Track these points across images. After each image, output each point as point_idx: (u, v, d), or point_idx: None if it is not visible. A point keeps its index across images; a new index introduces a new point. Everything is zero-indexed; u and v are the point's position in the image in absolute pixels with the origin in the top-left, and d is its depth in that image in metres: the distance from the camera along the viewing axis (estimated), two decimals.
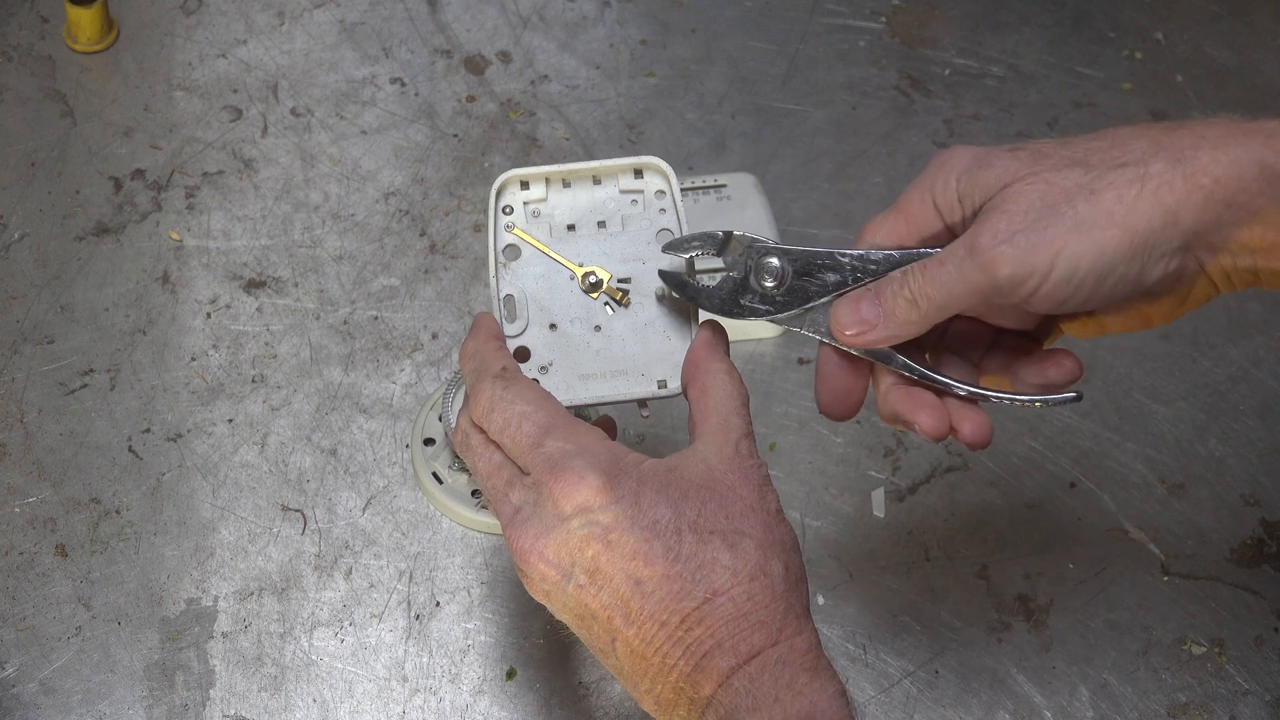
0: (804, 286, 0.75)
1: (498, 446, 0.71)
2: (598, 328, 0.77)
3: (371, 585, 0.94)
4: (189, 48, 1.17)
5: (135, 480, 0.97)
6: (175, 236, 1.07)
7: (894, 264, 0.74)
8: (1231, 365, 1.06)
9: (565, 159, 1.13)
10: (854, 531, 0.97)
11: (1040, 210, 0.69)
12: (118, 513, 0.95)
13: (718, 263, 0.76)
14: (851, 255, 0.74)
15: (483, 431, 0.72)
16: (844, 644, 0.93)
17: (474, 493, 0.96)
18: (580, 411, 0.83)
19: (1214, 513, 0.99)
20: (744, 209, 1.07)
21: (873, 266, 0.74)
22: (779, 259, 0.75)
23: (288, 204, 1.09)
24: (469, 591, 0.94)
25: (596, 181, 0.79)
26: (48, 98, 1.13)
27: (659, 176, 0.79)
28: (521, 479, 0.70)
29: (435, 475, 0.97)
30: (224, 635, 0.91)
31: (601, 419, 0.77)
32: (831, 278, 0.74)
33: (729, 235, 0.75)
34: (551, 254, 0.77)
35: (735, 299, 0.75)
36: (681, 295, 0.76)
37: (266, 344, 1.03)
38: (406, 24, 1.20)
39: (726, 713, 0.65)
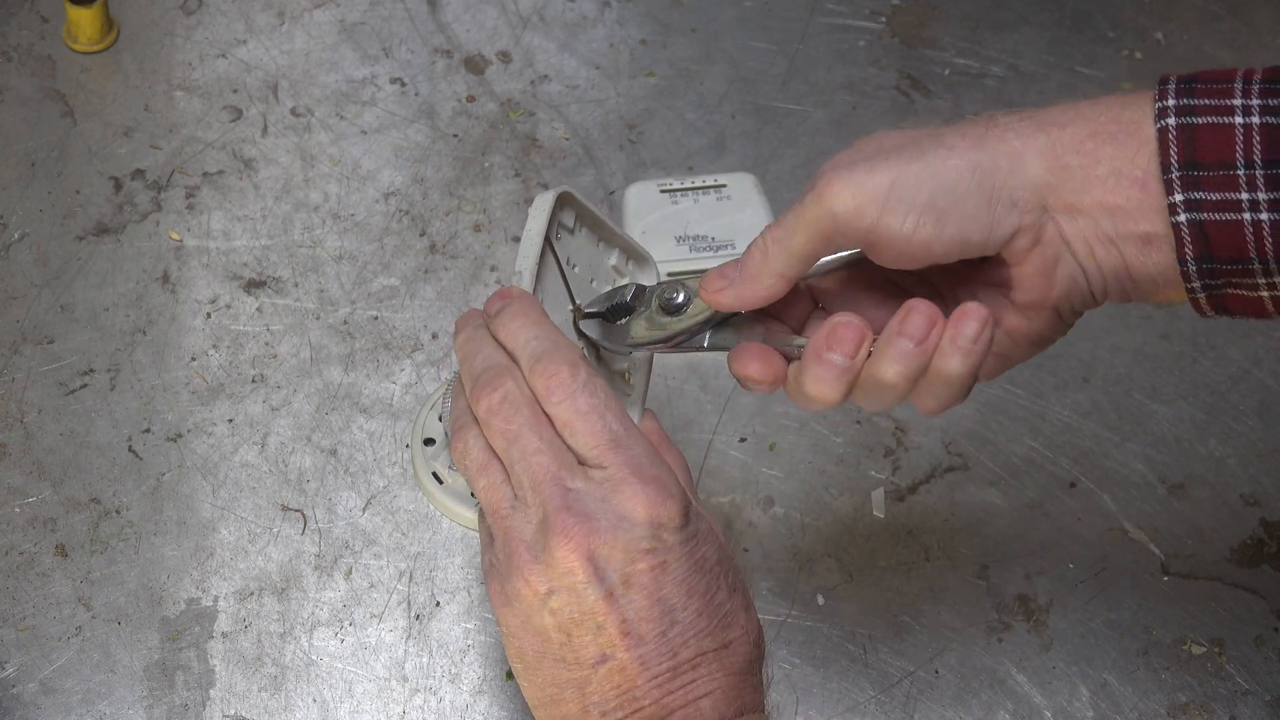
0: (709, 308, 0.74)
1: (550, 425, 0.68)
2: None
3: (371, 585, 0.94)
4: (189, 48, 1.17)
5: (135, 480, 0.97)
6: (175, 236, 1.07)
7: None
8: (1231, 365, 1.06)
9: (565, 159, 1.13)
10: (854, 531, 0.97)
11: (886, 151, 0.68)
12: (118, 513, 0.96)
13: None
14: None
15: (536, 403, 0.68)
16: (844, 644, 0.93)
17: (474, 493, 0.96)
18: None
19: (1214, 513, 0.99)
20: (744, 209, 1.07)
21: None
22: (682, 290, 0.74)
23: (288, 204, 1.10)
24: (469, 591, 0.94)
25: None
26: (48, 98, 1.13)
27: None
28: (584, 469, 0.66)
29: (435, 475, 0.97)
30: (224, 635, 0.91)
31: None
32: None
33: (641, 287, 0.75)
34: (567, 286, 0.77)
35: (650, 333, 0.75)
36: (604, 345, 0.76)
37: (266, 344, 1.03)
38: (406, 24, 1.20)
39: None
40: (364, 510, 0.97)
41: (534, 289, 0.72)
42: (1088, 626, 0.95)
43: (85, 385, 1.00)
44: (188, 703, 0.89)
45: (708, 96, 1.17)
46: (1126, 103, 0.69)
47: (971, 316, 0.65)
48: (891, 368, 0.66)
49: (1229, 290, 0.68)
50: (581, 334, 0.76)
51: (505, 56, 1.19)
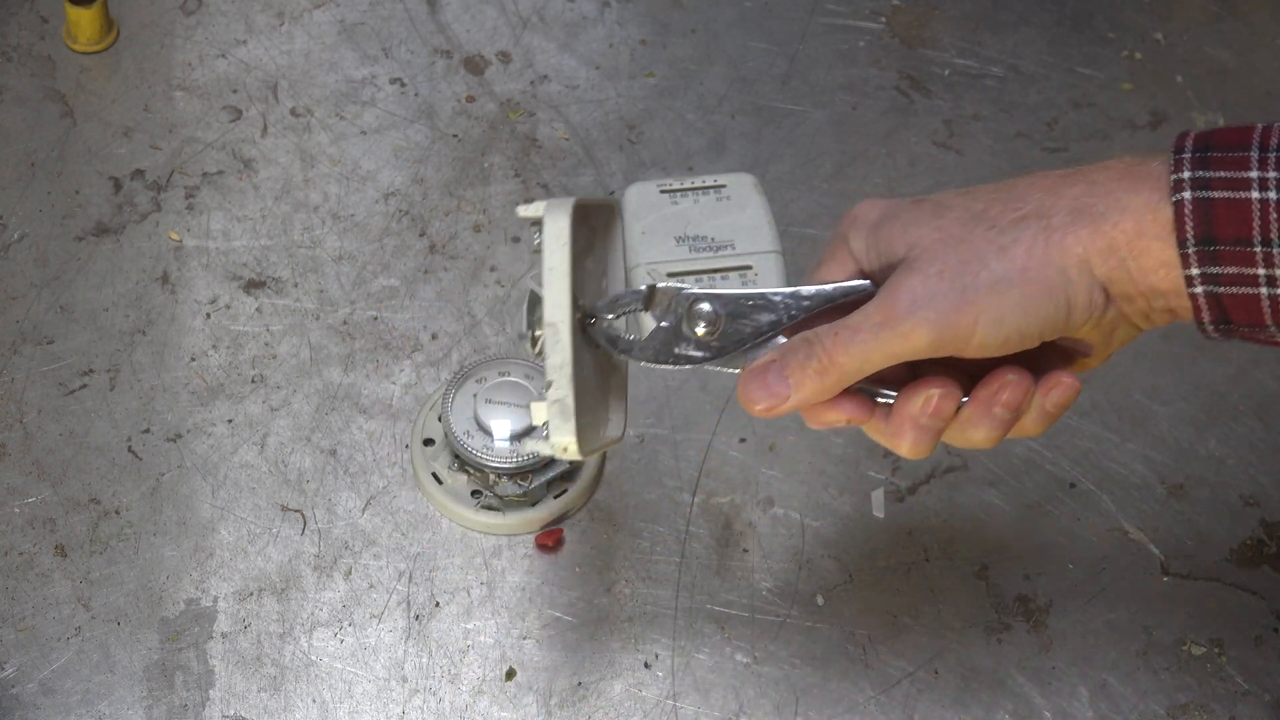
0: (739, 329, 0.73)
1: None
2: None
3: (371, 585, 0.94)
4: (189, 48, 1.17)
5: (135, 480, 0.97)
6: (175, 236, 1.07)
7: (826, 298, 0.73)
8: (1231, 365, 1.06)
9: (565, 159, 1.13)
10: (854, 531, 0.97)
11: (955, 271, 0.69)
12: (117, 513, 0.95)
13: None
14: (784, 294, 0.73)
15: None
16: (844, 644, 0.93)
17: (474, 493, 0.96)
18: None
19: (1214, 513, 0.99)
20: (743, 209, 1.07)
21: (805, 303, 0.72)
22: (710, 304, 0.73)
23: (287, 204, 1.09)
24: (469, 592, 0.94)
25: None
26: (47, 98, 1.13)
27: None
28: None
29: (435, 475, 0.97)
30: (224, 635, 0.91)
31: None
32: (765, 318, 0.73)
33: (653, 288, 0.74)
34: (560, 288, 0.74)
35: (669, 348, 0.73)
36: (614, 351, 0.74)
37: (266, 344, 1.03)
38: (406, 24, 1.20)
39: None
40: (364, 510, 0.97)
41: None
42: (1088, 627, 0.94)
43: (85, 385, 1.00)
44: (187, 703, 0.89)
45: (707, 97, 1.17)
46: (1156, 184, 0.69)
47: (1064, 389, 0.72)
48: (983, 433, 0.71)
49: (1246, 335, 0.72)
50: (587, 339, 0.75)
51: (505, 56, 1.19)
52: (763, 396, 0.72)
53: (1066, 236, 0.68)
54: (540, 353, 0.71)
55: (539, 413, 0.71)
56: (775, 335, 0.73)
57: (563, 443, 0.71)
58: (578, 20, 1.21)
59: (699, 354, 0.74)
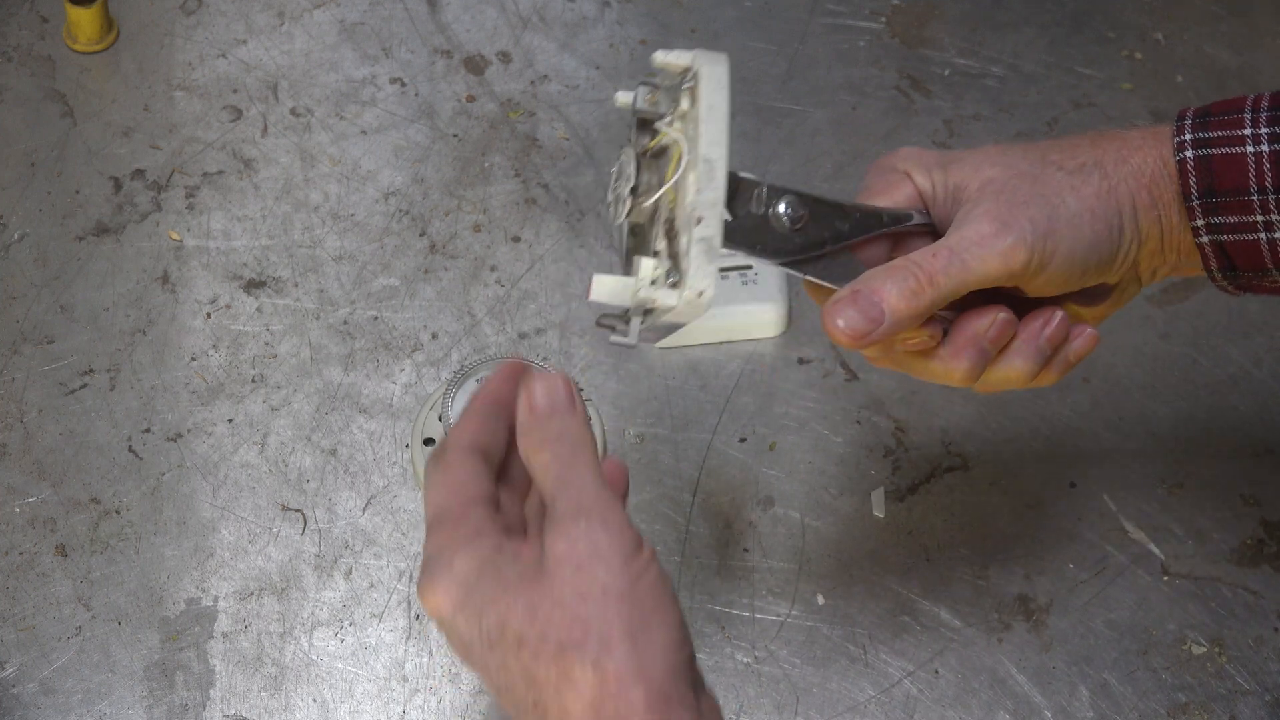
0: (820, 231, 0.73)
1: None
2: None
3: (371, 585, 0.94)
4: (189, 48, 1.17)
5: (135, 480, 0.97)
6: (175, 236, 1.07)
7: (895, 219, 0.74)
8: (1231, 365, 1.06)
9: (565, 159, 1.13)
10: (854, 531, 0.97)
11: (1040, 202, 0.73)
12: (118, 513, 0.95)
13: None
14: (859, 206, 0.74)
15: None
16: (844, 644, 0.93)
17: None
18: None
19: (1214, 513, 0.99)
20: None
21: (881, 219, 0.74)
22: (793, 197, 0.73)
23: (288, 204, 1.10)
24: None
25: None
26: (48, 98, 1.13)
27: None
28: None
29: None
30: (224, 635, 0.91)
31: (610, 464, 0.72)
32: (842, 225, 0.73)
33: (734, 175, 0.72)
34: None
35: (760, 237, 0.72)
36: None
37: (266, 344, 1.03)
38: (406, 24, 1.20)
39: None
40: (364, 510, 0.97)
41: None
42: (1088, 626, 0.95)
43: (85, 385, 1.00)
44: (188, 703, 0.89)
45: None
46: (1164, 151, 0.76)
47: (1087, 339, 0.76)
48: (1022, 366, 0.75)
49: (1251, 282, 0.76)
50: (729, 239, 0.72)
51: (505, 56, 1.19)
52: (858, 320, 0.72)
53: (1119, 185, 0.74)
54: (629, 212, 0.70)
55: (647, 268, 0.69)
56: (847, 247, 0.73)
57: (700, 285, 0.68)
58: (578, 20, 1.21)
59: (785, 247, 0.72)
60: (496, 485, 0.68)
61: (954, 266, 0.72)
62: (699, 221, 0.68)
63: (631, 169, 0.72)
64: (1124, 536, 0.98)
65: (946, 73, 1.20)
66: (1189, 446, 1.02)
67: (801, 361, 1.04)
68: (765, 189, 0.73)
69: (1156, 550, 0.98)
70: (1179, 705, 0.92)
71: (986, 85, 1.19)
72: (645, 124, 0.73)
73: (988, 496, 0.99)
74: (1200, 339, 1.06)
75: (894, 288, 0.72)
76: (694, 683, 0.62)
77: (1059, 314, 0.75)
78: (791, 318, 1.04)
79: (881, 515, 0.98)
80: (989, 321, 0.74)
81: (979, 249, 0.72)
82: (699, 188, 0.69)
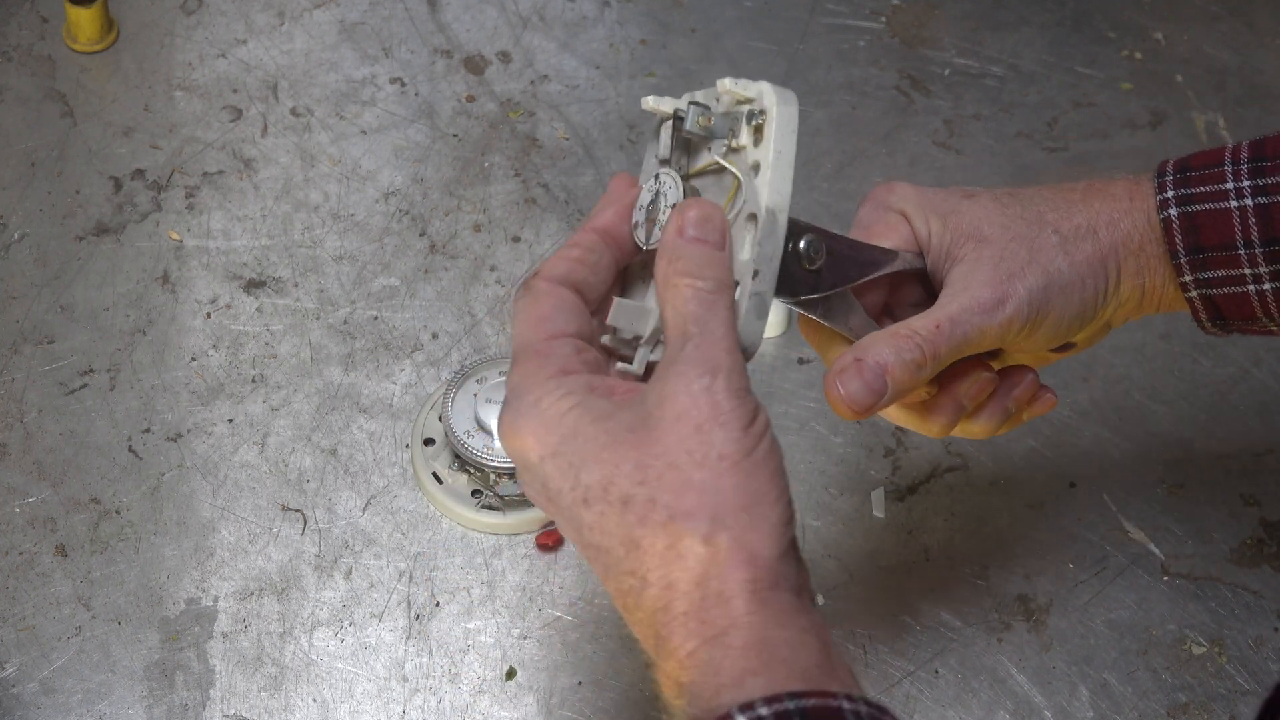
0: (832, 273, 0.71)
1: None
2: None
3: (371, 585, 0.94)
4: (189, 48, 1.17)
5: (135, 480, 0.97)
6: (175, 236, 1.07)
7: (901, 261, 0.75)
8: (1231, 365, 1.06)
9: (565, 159, 1.13)
10: (854, 531, 0.97)
11: (1037, 269, 0.74)
12: (118, 513, 0.96)
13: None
14: (873, 248, 0.74)
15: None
16: (844, 644, 0.93)
17: (474, 492, 0.96)
18: None
19: (1214, 513, 0.99)
20: None
21: (886, 259, 0.74)
22: (814, 235, 0.70)
23: (288, 204, 1.10)
24: (469, 591, 0.94)
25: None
26: (48, 98, 1.13)
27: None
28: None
29: (435, 475, 0.97)
30: (224, 635, 0.91)
31: None
32: (851, 268, 0.72)
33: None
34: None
35: (780, 278, 0.69)
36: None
37: (266, 344, 1.03)
38: (406, 24, 1.20)
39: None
40: (364, 510, 0.97)
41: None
42: (1088, 626, 0.95)
43: (85, 385, 1.00)
44: (188, 703, 0.89)
45: None
46: (1149, 210, 0.76)
47: (1044, 404, 0.78)
48: (989, 421, 0.77)
49: (1241, 328, 0.78)
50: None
51: (505, 56, 1.19)
52: (863, 393, 0.70)
53: (1108, 252, 0.75)
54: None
55: None
56: (848, 289, 0.73)
57: (745, 341, 0.64)
58: (578, 20, 1.21)
59: (798, 288, 0.70)
60: (591, 326, 0.64)
61: (955, 339, 0.72)
62: (755, 275, 0.66)
63: (678, 192, 0.68)
64: (1124, 536, 0.98)
65: (946, 72, 1.20)
66: (1189, 446, 1.02)
67: (801, 361, 1.04)
68: (799, 230, 0.71)
69: (1156, 550, 0.98)
70: (1179, 705, 0.92)
71: (986, 85, 1.19)
72: (685, 142, 0.70)
73: (988, 496, 0.99)
74: (1200, 339, 1.06)
75: (896, 359, 0.71)
76: (798, 559, 0.61)
77: (1030, 375, 0.77)
78: (791, 318, 1.04)
79: (881, 515, 0.98)
80: (971, 381, 0.76)
81: (979, 319, 0.72)
82: (759, 240, 0.66)
